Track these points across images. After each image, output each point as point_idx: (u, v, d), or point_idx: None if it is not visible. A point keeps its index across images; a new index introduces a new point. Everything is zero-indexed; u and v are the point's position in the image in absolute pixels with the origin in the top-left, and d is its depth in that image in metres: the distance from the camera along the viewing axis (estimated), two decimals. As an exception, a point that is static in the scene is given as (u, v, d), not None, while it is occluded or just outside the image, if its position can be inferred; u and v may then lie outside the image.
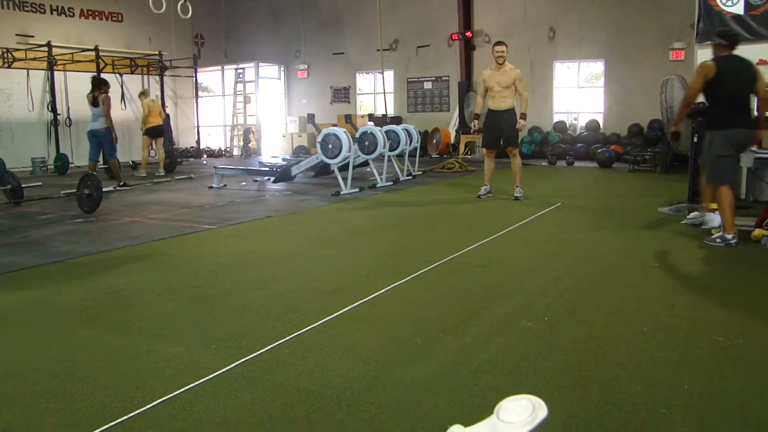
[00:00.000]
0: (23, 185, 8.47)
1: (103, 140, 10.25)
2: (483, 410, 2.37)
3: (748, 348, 3.02)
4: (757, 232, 5.47)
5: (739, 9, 7.59)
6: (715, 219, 5.91)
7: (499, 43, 8.29)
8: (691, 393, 2.53)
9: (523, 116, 8.17)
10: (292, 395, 2.56)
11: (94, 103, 10.12)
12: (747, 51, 7.28)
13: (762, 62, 6.13)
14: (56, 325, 3.53)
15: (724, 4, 7.74)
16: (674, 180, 9.94)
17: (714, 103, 5.59)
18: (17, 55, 14.36)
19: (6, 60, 14.24)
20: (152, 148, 13.11)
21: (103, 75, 14.50)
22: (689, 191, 7.29)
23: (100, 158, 10.75)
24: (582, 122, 15.62)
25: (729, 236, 5.30)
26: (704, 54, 7.95)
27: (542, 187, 9.95)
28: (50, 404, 2.53)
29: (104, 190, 7.90)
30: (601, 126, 15.15)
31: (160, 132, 12.89)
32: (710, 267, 4.71)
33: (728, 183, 5.35)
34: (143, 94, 13.22)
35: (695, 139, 7.20)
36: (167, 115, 17.06)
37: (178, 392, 2.59)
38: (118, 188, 10.07)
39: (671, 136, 6.50)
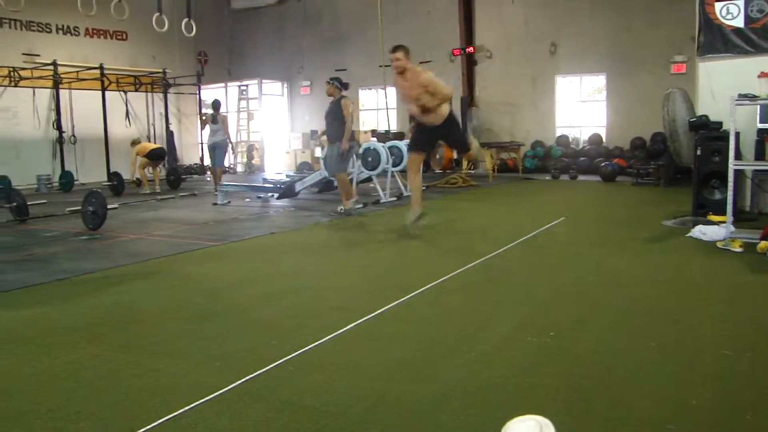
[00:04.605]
0: (28, 203, 8.50)
1: (222, 149, 11.82)
2: (488, 427, 2.35)
3: (756, 362, 3.00)
4: (763, 244, 5.45)
5: (739, 22, 7.60)
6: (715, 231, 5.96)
7: (395, 48, 6.74)
8: (700, 408, 2.51)
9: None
10: (297, 413, 2.55)
11: (213, 120, 11.70)
12: (748, 64, 7.33)
13: (763, 75, 6.12)
14: (60, 343, 3.52)
15: (724, 18, 7.75)
16: (678, 193, 9.94)
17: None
18: (23, 74, 14.49)
19: (12, 79, 14.37)
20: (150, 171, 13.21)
21: (107, 92, 14.68)
22: (693, 204, 7.28)
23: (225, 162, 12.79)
24: (585, 136, 15.65)
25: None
26: (705, 67, 7.97)
27: (546, 201, 9.95)
28: (54, 422, 2.53)
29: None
30: (604, 139, 15.16)
31: (161, 155, 13.34)
32: (716, 280, 4.69)
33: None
34: (135, 142, 13.33)
35: (698, 152, 7.21)
36: (171, 132, 17.19)
37: (182, 410, 2.58)
38: (214, 192, 11.30)
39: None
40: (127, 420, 2.52)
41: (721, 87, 7.56)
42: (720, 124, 7.34)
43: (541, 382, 2.80)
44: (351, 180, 9.50)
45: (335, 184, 9.74)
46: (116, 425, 2.48)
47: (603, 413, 2.48)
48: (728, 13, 7.70)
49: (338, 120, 8.51)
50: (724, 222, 6.07)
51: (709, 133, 7.24)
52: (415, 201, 6.88)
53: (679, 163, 8.54)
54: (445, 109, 6.70)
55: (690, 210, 7.38)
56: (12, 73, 14.34)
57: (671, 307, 3.97)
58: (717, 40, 7.81)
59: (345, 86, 8.89)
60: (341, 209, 8.68)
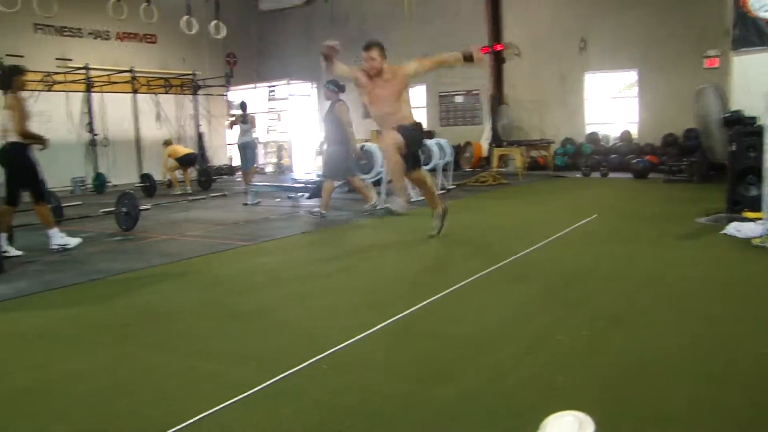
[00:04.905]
0: (63, 204, 8.67)
1: (252, 149, 12.27)
2: (520, 427, 2.34)
3: (794, 362, 2.94)
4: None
5: (774, 14, 7.46)
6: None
7: (369, 45, 6.10)
8: (738, 409, 2.47)
9: (470, 53, 5.91)
10: (330, 411, 2.57)
11: (243, 120, 12.01)
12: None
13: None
14: (97, 342, 3.59)
15: (758, 10, 7.59)
16: (711, 189, 9.75)
17: None
18: (57, 78, 14.78)
19: (47, 83, 14.67)
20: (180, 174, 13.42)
21: (138, 95, 14.93)
22: (728, 201, 7.15)
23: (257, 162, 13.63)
24: (615, 133, 15.45)
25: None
26: (740, 61, 7.82)
27: (577, 199, 9.86)
28: (94, 419, 2.59)
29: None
30: (635, 136, 14.97)
31: (191, 161, 13.57)
32: (752, 278, 4.60)
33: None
34: (168, 143, 13.65)
35: (732, 147, 7.08)
36: (201, 134, 17.40)
37: (216, 408, 2.61)
38: (245, 191, 11.35)
39: None
40: (164, 417, 2.55)
41: (757, 81, 7.41)
42: (755, 119, 7.20)
43: (574, 382, 2.78)
44: (379, 181, 9.50)
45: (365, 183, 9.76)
46: (153, 422, 2.52)
47: (637, 414, 2.45)
48: (763, 5, 7.54)
49: (334, 124, 8.54)
50: (760, 219, 5.94)
51: (744, 129, 7.11)
52: (431, 201, 6.46)
53: (712, 159, 8.40)
54: (408, 111, 6.20)
55: (724, 207, 7.24)
56: (46, 78, 14.66)
57: (706, 304, 3.91)
58: (752, 33, 7.66)
59: (341, 89, 8.94)
60: (367, 207, 8.71)
